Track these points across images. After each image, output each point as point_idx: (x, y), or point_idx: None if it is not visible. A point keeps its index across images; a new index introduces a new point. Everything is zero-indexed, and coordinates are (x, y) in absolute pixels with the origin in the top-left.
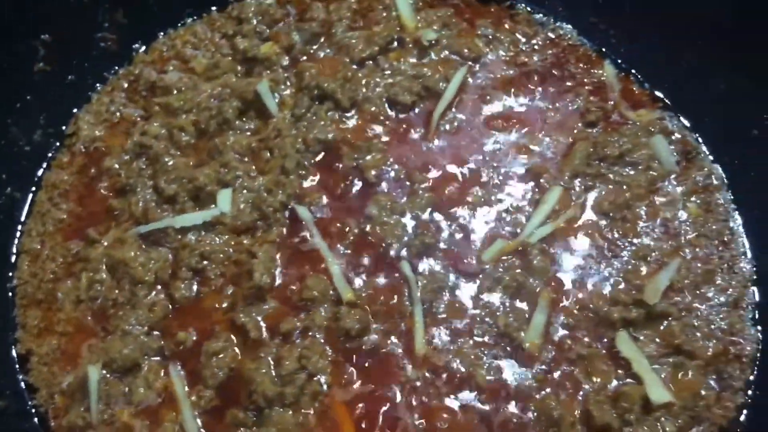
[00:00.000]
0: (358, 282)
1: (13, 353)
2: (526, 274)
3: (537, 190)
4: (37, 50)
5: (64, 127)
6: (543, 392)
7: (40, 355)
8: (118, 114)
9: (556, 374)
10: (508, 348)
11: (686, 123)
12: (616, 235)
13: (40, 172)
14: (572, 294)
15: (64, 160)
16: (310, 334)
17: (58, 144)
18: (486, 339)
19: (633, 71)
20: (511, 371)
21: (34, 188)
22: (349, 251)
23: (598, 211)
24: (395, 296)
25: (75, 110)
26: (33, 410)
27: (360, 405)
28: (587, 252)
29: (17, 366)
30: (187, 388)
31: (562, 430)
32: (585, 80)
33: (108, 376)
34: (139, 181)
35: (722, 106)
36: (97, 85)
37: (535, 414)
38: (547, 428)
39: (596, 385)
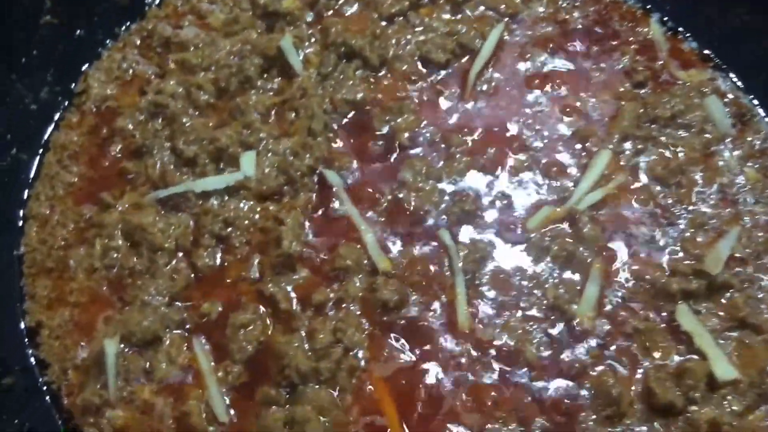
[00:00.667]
0: (394, 251)
1: (22, 326)
2: (576, 243)
3: (584, 153)
4: (43, 2)
5: (73, 85)
6: (598, 369)
7: (51, 327)
8: (130, 71)
9: (612, 349)
10: (559, 322)
11: (739, 83)
12: (671, 202)
13: (47, 133)
14: (626, 264)
15: (74, 119)
16: (343, 305)
17: (66, 103)
18: (535, 312)
19: (680, 29)
20: (563, 346)
21: (41, 150)
22: (382, 219)
23: (650, 176)
24: (434, 266)
25: (84, 67)
26: (44, 387)
27: (401, 382)
28: (640, 219)
29: (26, 340)
30: (213, 363)
31: (621, 408)
32: (630, 38)
33: (126, 350)
34: (156, 143)
35: None
36: (108, 41)
37: (591, 392)
38: (604, 407)
39: (656, 361)
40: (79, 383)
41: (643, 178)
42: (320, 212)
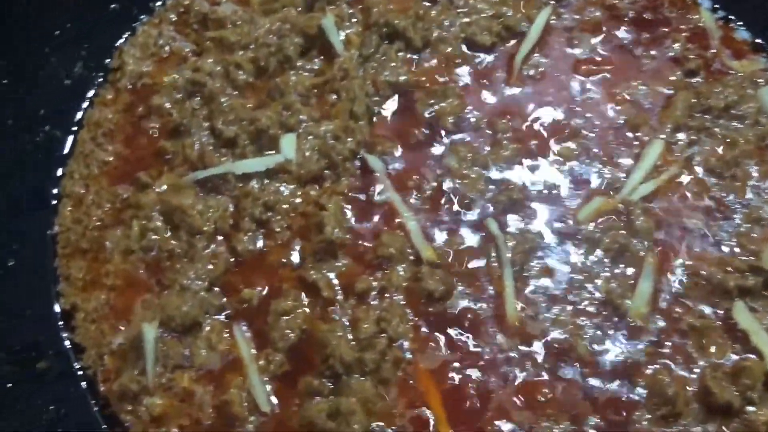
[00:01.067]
0: (439, 240)
1: (56, 308)
2: (629, 236)
3: (636, 143)
4: None
5: (107, 61)
6: (653, 366)
7: (86, 311)
8: (167, 48)
9: (667, 346)
10: (612, 317)
11: None
12: (725, 195)
13: (81, 110)
14: (681, 259)
15: (108, 96)
16: (387, 295)
17: (101, 79)
18: (586, 306)
19: (731, 17)
20: (616, 343)
21: (75, 127)
22: (426, 206)
23: (704, 168)
24: (481, 257)
25: (119, 42)
26: (79, 372)
27: (447, 375)
28: (694, 213)
29: (61, 323)
30: (254, 351)
31: (676, 408)
32: (681, 26)
33: (165, 335)
34: (194, 122)
35: None
36: (143, 16)
37: (646, 391)
38: (659, 406)
39: (712, 359)
40: (116, 369)
41: (697, 170)
42: (362, 198)
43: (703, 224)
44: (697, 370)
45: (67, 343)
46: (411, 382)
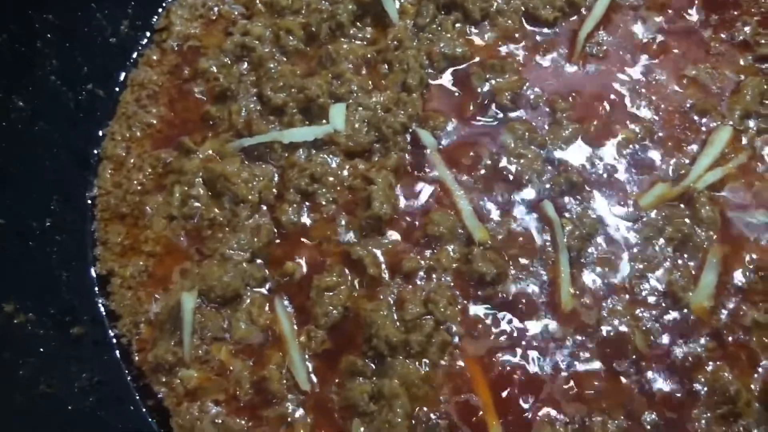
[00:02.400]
0: (491, 221)
1: (92, 273)
2: (693, 225)
3: (703, 129)
4: None
5: (154, 20)
6: (714, 363)
7: (123, 277)
8: (215, 9)
9: (729, 343)
10: (673, 310)
11: None
12: None
13: (126, 70)
14: (747, 251)
15: (154, 57)
16: (435, 276)
17: (146, 39)
18: (646, 297)
19: None
20: (676, 336)
21: (118, 87)
22: (479, 185)
23: None
24: (536, 240)
25: (167, 2)
26: (114, 341)
27: (496, 362)
28: (762, 203)
29: (97, 288)
30: (295, 327)
31: (737, 408)
32: (752, 9)
33: (204, 306)
34: (241, 88)
35: None
36: None
37: (705, 388)
38: (719, 405)
39: None
40: (152, 339)
41: (767, 160)
42: (412, 174)
43: None
44: (760, 370)
45: (102, 309)
46: (458, 367)
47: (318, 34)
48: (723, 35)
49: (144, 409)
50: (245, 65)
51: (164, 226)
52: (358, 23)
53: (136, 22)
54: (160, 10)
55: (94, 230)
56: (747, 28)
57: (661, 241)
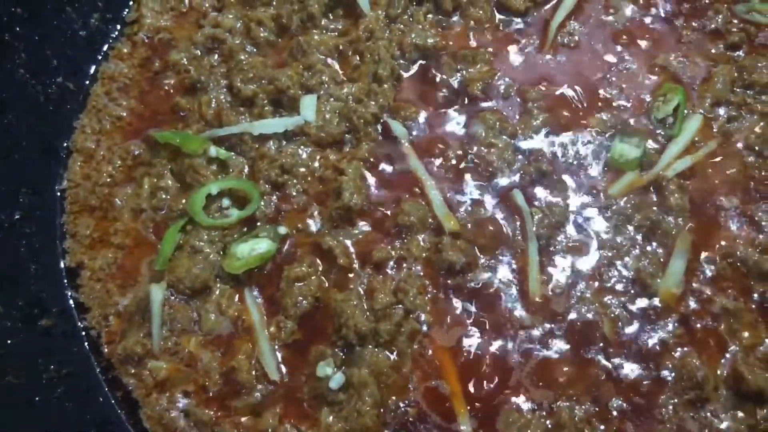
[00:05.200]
0: (462, 210)
1: (62, 265)
2: (662, 213)
3: (673, 117)
4: None
5: (125, 13)
6: (682, 350)
7: (92, 269)
8: (186, 2)
9: (697, 329)
10: (641, 296)
11: None
12: (765, 174)
13: (96, 63)
14: (715, 238)
15: (124, 50)
16: (405, 265)
17: (117, 32)
18: (614, 285)
19: None
20: (644, 323)
21: (88, 80)
22: (450, 175)
23: (743, 146)
24: (506, 229)
25: None
26: (83, 333)
27: (464, 350)
28: (731, 191)
29: (66, 281)
30: (265, 318)
31: (704, 393)
32: None
33: (173, 298)
34: (211, 79)
35: None
36: None
37: (673, 374)
38: (687, 390)
39: (744, 344)
40: (121, 330)
41: (736, 148)
42: (383, 164)
43: (740, 203)
44: (728, 355)
45: (71, 301)
46: (427, 355)
47: (289, 25)
48: (695, 23)
49: (113, 401)
50: (216, 57)
51: (133, 219)
52: (329, 14)
53: (106, 15)
54: (131, 2)
55: (64, 223)
56: (719, 17)
57: (630, 228)
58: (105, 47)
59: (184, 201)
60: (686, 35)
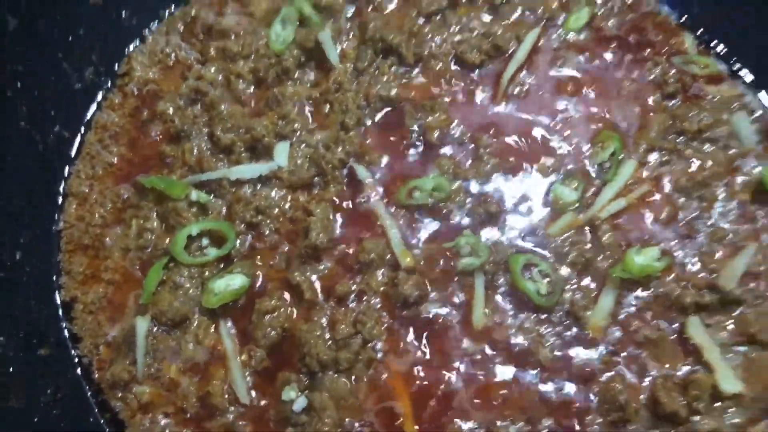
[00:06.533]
0: (417, 248)
1: (57, 300)
2: (595, 251)
3: (609, 163)
4: None
5: (116, 66)
6: (608, 374)
7: (85, 303)
8: (173, 56)
9: (622, 356)
10: (573, 327)
11: None
12: (692, 215)
13: (90, 113)
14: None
15: (116, 101)
16: (365, 298)
17: (109, 84)
18: (550, 316)
19: (714, 43)
20: (575, 351)
21: (83, 129)
22: (408, 215)
23: (673, 188)
24: (456, 265)
25: (128, 49)
26: (76, 360)
27: (415, 375)
28: (660, 231)
29: (61, 313)
30: (237, 347)
31: (626, 414)
32: (664, 50)
33: (156, 329)
34: (194, 129)
35: None
36: (152, 24)
37: (599, 397)
38: (611, 412)
39: (664, 370)
40: (110, 359)
41: (666, 190)
42: (348, 205)
43: (667, 242)
44: (648, 380)
45: (66, 332)
46: (381, 380)
47: (266, 78)
48: (635, 74)
49: (102, 421)
50: (199, 107)
51: (122, 257)
52: (303, 67)
53: (99, 69)
54: (122, 57)
55: (60, 261)
56: (657, 69)
57: (566, 265)
58: (98, 98)
59: (167, 241)
60: (626, 86)
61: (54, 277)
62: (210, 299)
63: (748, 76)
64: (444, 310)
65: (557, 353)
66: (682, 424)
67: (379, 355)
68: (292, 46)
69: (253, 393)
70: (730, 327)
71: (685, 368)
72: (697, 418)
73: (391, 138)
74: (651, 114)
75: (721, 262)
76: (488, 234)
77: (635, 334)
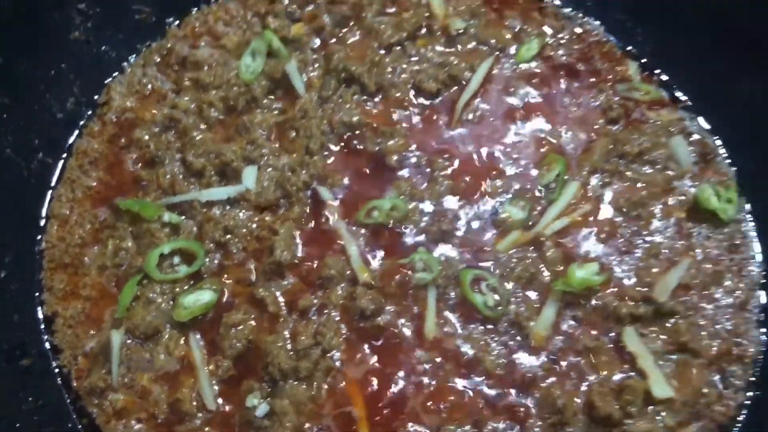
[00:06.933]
0: (375, 263)
1: (39, 314)
2: (539, 266)
3: (554, 183)
4: (73, 19)
5: (96, 97)
6: (548, 381)
7: (65, 317)
8: (149, 86)
9: (563, 364)
10: (518, 336)
11: (706, 125)
12: (630, 232)
13: (71, 140)
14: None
15: (95, 128)
16: (325, 311)
17: (89, 112)
18: (497, 326)
19: (657, 71)
20: (519, 359)
21: (65, 155)
22: (367, 233)
23: (613, 208)
24: (411, 280)
25: (108, 80)
26: (56, 370)
27: (371, 382)
28: (600, 247)
29: (43, 327)
30: (205, 357)
31: (564, 418)
32: (609, 77)
33: (130, 341)
34: (168, 154)
35: (743, 111)
36: (131, 56)
37: (540, 401)
38: (550, 415)
39: (601, 376)
40: (87, 368)
41: (607, 209)
42: (311, 224)
43: (606, 257)
44: (585, 386)
45: (47, 344)
46: (339, 387)
47: (236, 106)
48: (581, 100)
49: (80, 426)
50: (173, 134)
51: (99, 274)
52: (271, 96)
53: (80, 99)
54: (102, 87)
55: (42, 278)
56: (602, 95)
57: (512, 278)
58: (79, 126)
59: (141, 259)
60: (573, 111)
61: (36, 294)
62: (180, 313)
63: (687, 102)
64: (398, 322)
65: (502, 361)
66: (616, 426)
67: (338, 363)
68: (261, 76)
69: (220, 400)
70: (664, 336)
71: (621, 375)
72: (630, 421)
73: (353, 161)
74: (595, 138)
75: (656, 276)
76: (441, 250)
77: (575, 343)
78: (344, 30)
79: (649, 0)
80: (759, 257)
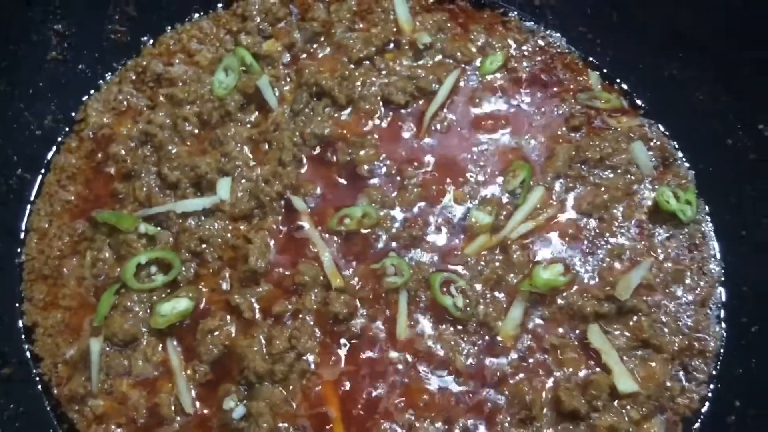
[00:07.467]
0: (348, 269)
1: (20, 324)
2: (506, 268)
3: (520, 189)
4: (50, 39)
5: (73, 114)
6: (517, 378)
7: (45, 327)
8: (125, 103)
9: (531, 361)
10: (487, 336)
11: (665, 131)
12: (593, 234)
13: (49, 156)
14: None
15: (73, 144)
16: (300, 316)
17: (67, 129)
18: (466, 327)
19: (617, 80)
20: (487, 357)
21: (43, 170)
22: (339, 240)
23: (577, 211)
24: (382, 284)
25: (85, 98)
26: (37, 378)
27: (345, 384)
28: (565, 249)
29: (23, 336)
30: (183, 363)
31: (533, 413)
32: (571, 87)
33: (109, 348)
34: (144, 168)
35: (700, 116)
36: (107, 75)
37: (508, 398)
38: (519, 411)
39: (567, 373)
40: (67, 376)
41: (571, 213)
42: (285, 233)
43: (571, 258)
44: (551, 382)
45: (28, 353)
46: (314, 389)
47: (210, 120)
48: (544, 110)
49: None
50: (148, 148)
51: (78, 285)
52: (244, 110)
53: (58, 116)
54: (80, 104)
55: (22, 289)
56: (565, 104)
57: (480, 281)
58: (57, 142)
59: (119, 269)
60: (536, 120)
61: (17, 305)
62: (157, 321)
63: (646, 108)
64: (371, 325)
65: (472, 360)
66: (583, 420)
67: (312, 366)
68: (234, 91)
69: (197, 403)
70: (627, 333)
71: (586, 371)
72: (596, 414)
73: (325, 171)
74: (558, 145)
75: (618, 276)
76: (412, 255)
77: (542, 341)
78: (315, 46)
79: (608, 13)
80: (718, 255)
